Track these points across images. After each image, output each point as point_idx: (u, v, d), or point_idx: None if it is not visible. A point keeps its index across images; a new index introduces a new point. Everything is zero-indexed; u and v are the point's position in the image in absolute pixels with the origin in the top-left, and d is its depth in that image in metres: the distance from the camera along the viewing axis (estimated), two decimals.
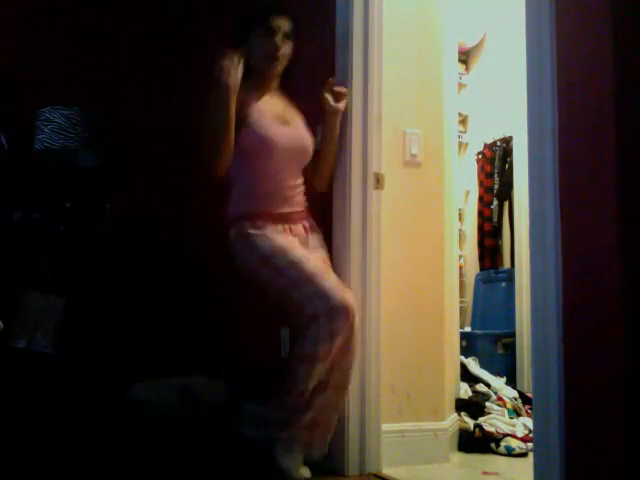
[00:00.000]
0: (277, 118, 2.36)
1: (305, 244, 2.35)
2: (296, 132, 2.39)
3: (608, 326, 1.63)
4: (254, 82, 2.37)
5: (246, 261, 2.31)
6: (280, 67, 2.38)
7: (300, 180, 2.41)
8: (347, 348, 2.22)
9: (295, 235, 2.34)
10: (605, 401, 1.63)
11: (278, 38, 2.33)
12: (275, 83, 2.43)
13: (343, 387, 2.27)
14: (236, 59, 2.22)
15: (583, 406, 1.68)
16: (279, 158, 2.32)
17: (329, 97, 2.41)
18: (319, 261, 2.32)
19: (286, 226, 2.33)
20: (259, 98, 2.36)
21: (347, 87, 2.45)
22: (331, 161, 2.47)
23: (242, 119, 2.29)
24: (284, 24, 2.36)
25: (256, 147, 2.30)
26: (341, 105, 2.42)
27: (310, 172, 2.46)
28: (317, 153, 2.45)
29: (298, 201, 2.39)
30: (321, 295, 2.15)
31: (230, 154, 2.25)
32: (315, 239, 2.42)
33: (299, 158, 2.39)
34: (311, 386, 2.17)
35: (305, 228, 2.39)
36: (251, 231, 2.28)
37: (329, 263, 2.40)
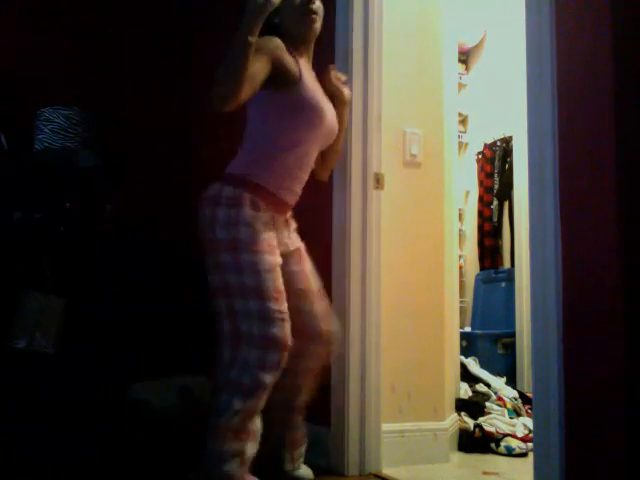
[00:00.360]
0: (320, 91, 2.14)
1: (279, 237, 2.10)
2: (333, 111, 2.17)
3: (608, 326, 1.63)
4: (291, 46, 2.09)
5: (215, 231, 2.00)
6: (318, 25, 2.13)
7: (311, 166, 2.18)
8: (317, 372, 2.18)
9: (276, 228, 2.09)
10: (605, 401, 1.63)
11: None
12: (310, 51, 2.20)
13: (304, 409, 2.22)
14: None
15: (583, 406, 1.68)
16: (316, 134, 2.09)
17: (339, 84, 2.22)
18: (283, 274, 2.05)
19: (275, 216, 2.08)
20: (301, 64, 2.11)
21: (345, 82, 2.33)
22: (339, 152, 2.32)
23: (292, 77, 2.03)
24: None
25: (305, 113, 2.05)
26: (346, 91, 2.25)
27: (317, 160, 2.23)
28: None
29: (299, 189, 2.15)
30: (261, 318, 1.95)
31: (246, 86, 1.87)
32: (291, 230, 2.19)
33: (325, 139, 2.16)
34: (244, 420, 1.96)
35: (287, 220, 2.18)
36: (245, 208, 2.00)
37: (305, 254, 2.21)
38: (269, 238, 2.02)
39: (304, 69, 2.09)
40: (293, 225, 2.21)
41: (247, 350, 1.96)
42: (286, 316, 1.97)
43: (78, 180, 3.38)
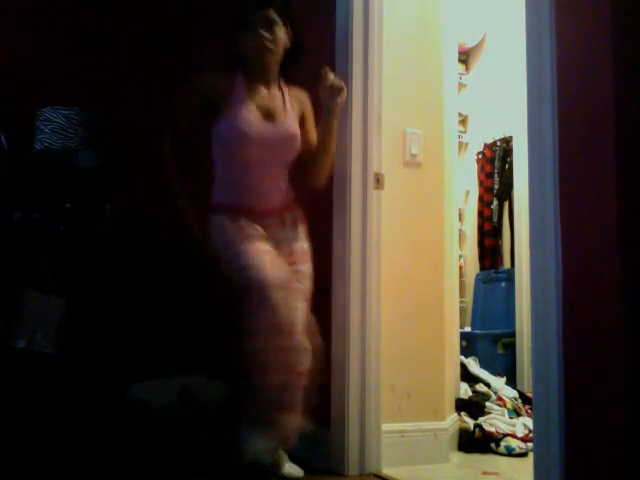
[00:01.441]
0: (261, 110, 2.31)
1: (275, 238, 2.30)
2: (277, 127, 2.31)
3: (608, 326, 1.63)
4: (248, 71, 2.34)
5: (217, 245, 2.31)
6: (274, 56, 2.33)
7: (282, 175, 2.35)
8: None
9: (266, 229, 2.29)
10: (605, 401, 1.62)
11: (259, 30, 2.27)
12: (272, 74, 2.37)
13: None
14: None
15: (583, 406, 1.68)
16: (252, 151, 2.28)
17: (327, 93, 2.32)
18: (279, 257, 2.25)
19: (260, 219, 2.29)
20: (249, 89, 2.32)
21: (346, 82, 2.39)
22: (324, 159, 2.40)
23: (221, 105, 2.29)
24: (265, 13, 2.29)
25: (228, 137, 2.29)
26: (339, 100, 2.33)
27: (306, 168, 2.41)
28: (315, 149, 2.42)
29: (276, 196, 2.34)
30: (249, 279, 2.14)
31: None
32: (291, 232, 2.35)
33: (278, 153, 2.32)
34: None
35: (282, 222, 2.34)
36: (228, 223, 2.29)
37: (304, 257, 2.33)
38: (247, 231, 2.25)
39: (250, 93, 2.31)
40: (294, 224, 2.36)
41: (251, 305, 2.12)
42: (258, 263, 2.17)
43: (78, 180, 3.38)
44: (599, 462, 1.64)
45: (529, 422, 2.92)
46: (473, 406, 3.02)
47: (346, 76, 2.47)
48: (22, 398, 2.85)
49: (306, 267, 2.31)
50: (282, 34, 2.32)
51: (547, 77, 1.79)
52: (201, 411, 2.96)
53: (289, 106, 2.36)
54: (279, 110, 2.33)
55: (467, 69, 5.07)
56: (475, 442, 2.80)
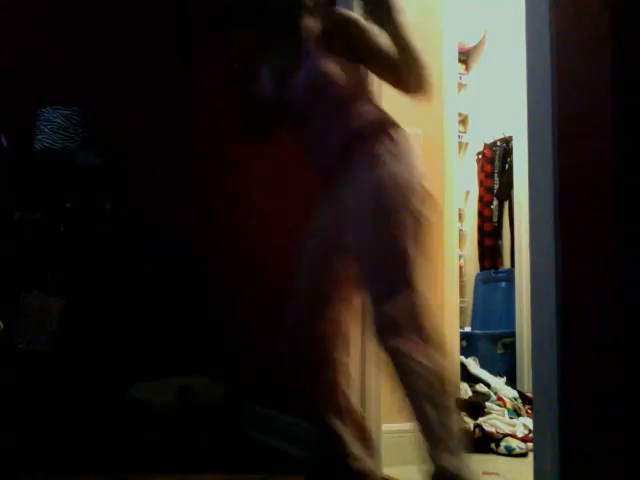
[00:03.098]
0: (285, 63, 2.02)
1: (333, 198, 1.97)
2: (298, 75, 1.97)
3: (608, 326, 1.63)
4: None
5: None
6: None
7: (336, 119, 1.94)
8: None
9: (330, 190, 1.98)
10: (605, 401, 1.62)
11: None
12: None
13: None
14: None
15: (583, 406, 1.68)
16: (284, 108, 2.04)
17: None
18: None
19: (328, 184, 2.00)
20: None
21: None
22: (393, 60, 1.91)
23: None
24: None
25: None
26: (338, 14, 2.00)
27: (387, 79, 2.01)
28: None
29: (336, 139, 1.95)
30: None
31: None
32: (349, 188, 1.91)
33: (306, 102, 1.97)
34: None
35: (340, 177, 1.95)
36: None
37: (356, 215, 1.89)
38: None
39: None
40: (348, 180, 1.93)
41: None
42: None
43: (78, 180, 3.38)
44: (599, 462, 1.64)
45: (529, 422, 2.92)
46: (473, 406, 3.01)
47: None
48: (22, 398, 2.85)
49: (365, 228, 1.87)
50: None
51: (547, 77, 1.79)
52: (201, 411, 2.96)
53: (311, 43, 1.96)
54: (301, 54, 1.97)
55: (467, 69, 5.06)
56: (475, 442, 2.80)
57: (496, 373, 3.55)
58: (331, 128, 1.95)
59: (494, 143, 4.72)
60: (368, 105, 1.98)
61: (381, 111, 2.00)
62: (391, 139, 1.92)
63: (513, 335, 4.13)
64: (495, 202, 4.64)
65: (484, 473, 2.48)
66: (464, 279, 4.80)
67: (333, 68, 1.91)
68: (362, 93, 1.97)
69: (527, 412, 3.13)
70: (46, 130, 3.20)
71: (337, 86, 1.92)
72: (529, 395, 3.19)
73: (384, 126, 1.95)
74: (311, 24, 1.99)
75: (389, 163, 1.87)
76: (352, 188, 1.90)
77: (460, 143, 4.85)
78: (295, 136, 2.09)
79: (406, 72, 1.92)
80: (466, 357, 3.49)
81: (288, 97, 2.00)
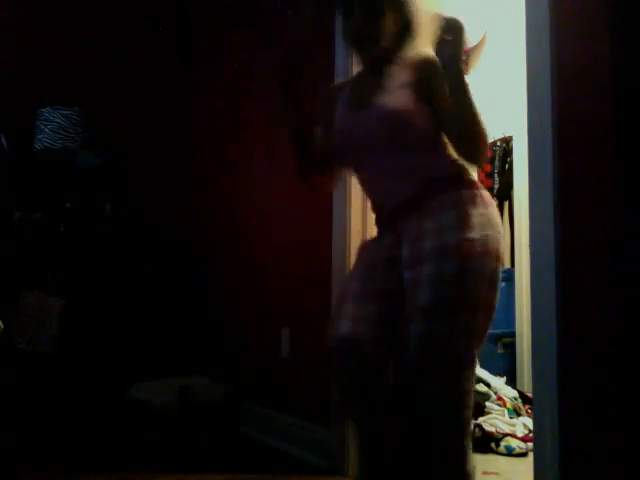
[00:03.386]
0: (352, 99, 1.89)
1: (411, 239, 1.74)
2: (367, 111, 1.81)
3: (608, 326, 1.63)
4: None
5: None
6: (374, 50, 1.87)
7: (406, 161, 1.79)
8: None
9: (399, 233, 1.78)
10: (604, 401, 1.63)
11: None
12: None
13: None
14: None
15: (582, 406, 1.68)
16: (344, 149, 1.88)
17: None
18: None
19: (392, 227, 1.82)
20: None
21: None
22: (457, 128, 1.78)
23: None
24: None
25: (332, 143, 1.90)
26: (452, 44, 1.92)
27: (452, 143, 1.81)
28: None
29: (395, 191, 1.80)
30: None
31: None
32: (434, 221, 1.72)
33: (376, 141, 1.80)
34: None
35: (419, 216, 1.74)
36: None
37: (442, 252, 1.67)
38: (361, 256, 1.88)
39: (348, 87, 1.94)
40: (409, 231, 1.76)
41: None
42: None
43: (78, 180, 3.38)
44: (598, 462, 1.64)
45: (529, 422, 2.92)
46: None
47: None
48: (22, 398, 2.85)
49: (432, 269, 1.67)
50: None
51: (547, 77, 1.79)
52: (201, 411, 2.96)
53: (393, 80, 1.83)
54: (375, 90, 1.83)
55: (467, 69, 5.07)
56: (475, 442, 2.79)
57: (496, 373, 3.55)
58: (404, 171, 1.80)
59: (494, 143, 4.72)
60: (445, 152, 1.80)
61: (457, 160, 1.79)
62: (471, 191, 1.78)
63: (513, 335, 4.13)
64: (495, 202, 4.64)
65: (484, 473, 2.48)
66: None
67: (419, 108, 1.78)
68: (439, 139, 1.81)
69: (527, 412, 3.13)
70: (46, 130, 3.20)
71: (418, 128, 1.78)
72: (529, 395, 3.19)
73: (462, 176, 1.79)
74: (409, 58, 1.87)
75: (475, 220, 1.72)
76: (433, 242, 1.70)
77: None
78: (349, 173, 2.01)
79: (474, 148, 1.76)
80: None
81: (354, 127, 1.84)
